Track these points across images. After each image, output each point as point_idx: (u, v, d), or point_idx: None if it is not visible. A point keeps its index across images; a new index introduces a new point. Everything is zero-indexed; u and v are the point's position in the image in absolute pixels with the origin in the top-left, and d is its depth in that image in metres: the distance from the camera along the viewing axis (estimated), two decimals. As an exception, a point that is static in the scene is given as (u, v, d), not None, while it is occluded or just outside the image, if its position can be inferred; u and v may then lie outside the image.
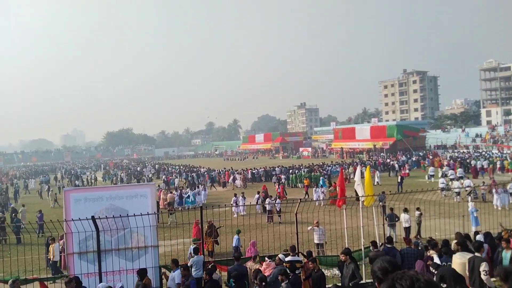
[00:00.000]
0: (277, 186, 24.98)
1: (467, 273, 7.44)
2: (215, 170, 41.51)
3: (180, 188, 27.65)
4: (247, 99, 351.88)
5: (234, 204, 20.06)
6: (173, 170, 48.12)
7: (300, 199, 15.79)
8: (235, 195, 21.90)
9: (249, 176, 36.53)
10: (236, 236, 12.83)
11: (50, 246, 12.21)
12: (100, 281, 8.41)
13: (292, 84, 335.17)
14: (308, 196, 24.46)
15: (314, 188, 24.16)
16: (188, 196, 23.76)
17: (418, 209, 15.29)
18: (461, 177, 27.33)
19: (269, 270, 8.59)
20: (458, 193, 21.39)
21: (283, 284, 7.37)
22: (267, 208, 18.81)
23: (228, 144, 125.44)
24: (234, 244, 12.74)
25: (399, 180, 26.33)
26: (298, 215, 10.17)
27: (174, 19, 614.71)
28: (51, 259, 11.98)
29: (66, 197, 9.13)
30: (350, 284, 7.59)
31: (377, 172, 31.77)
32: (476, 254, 7.74)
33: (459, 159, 39.36)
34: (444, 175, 29.85)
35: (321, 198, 21.38)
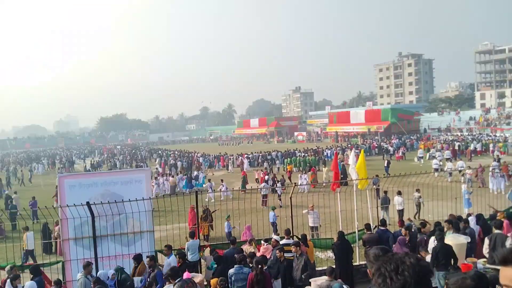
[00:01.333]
0: (260, 173, 24.80)
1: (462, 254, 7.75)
2: (210, 155, 41.64)
3: (186, 172, 28.54)
4: (242, 83, 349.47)
5: (223, 188, 20.44)
6: (172, 154, 48.22)
7: (295, 183, 15.92)
8: (222, 180, 22.30)
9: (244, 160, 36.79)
10: (226, 222, 13.05)
11: (24, 234, 12.24)
12: (97, 266, 8.47)
13: (287, 68, 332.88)
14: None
15: (299, 175, 24.06)
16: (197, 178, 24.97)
17: (417, 190, 15.48)
18: (449, 159, 28.10)
19: (268, 253, 8.69)
20: (450, 174, 21.94)
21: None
22: (262, 193, 18.95)
23: (223, 129, 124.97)
24: (226, 230, 12.97)
25: (385, 164, 26.57)
26: (292, 199, 10.25)
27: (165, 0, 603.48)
28: (25, 248, 12.01)
29: (60, 183, 9.09)
30: (303, 276, 7.65)
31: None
32: (497, 231, 8.13)
33: (452, 142, 39.87)
34: (432, 157, 30.64)
35: (305, 183, 21.46)
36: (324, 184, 22.42)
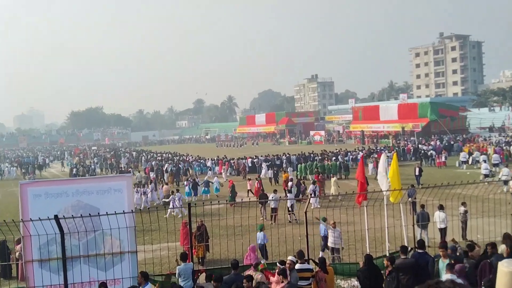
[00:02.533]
0: (255, 182, 25.04)
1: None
2: (205, 159, 41.79)
3: (193, 177, 29.68)
4: (245, 71, 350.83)
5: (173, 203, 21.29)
6: (159, 156, 48.76)
7: (311, 195, 15.83)
8: (173, 193, 22.61)
9: (249, 164, 37.55)
10: (260, 233, 13.16)
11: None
12: (67, 295, 8.46)
13: (301, 52, 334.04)
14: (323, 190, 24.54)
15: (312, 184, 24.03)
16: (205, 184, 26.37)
17: (463, 204, 15.34)
18: (496, 164, 28.01)
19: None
20: (506, 183, 21.63)
21: None
22: (271, 206, 18.95)
23: (221, 126, 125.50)
24: (259, 242, 13.24)
25: (417, 173, 26.54)
26: (308, 213, 10.22)
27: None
28: None
29: (22, 191, 8.96)
30: None
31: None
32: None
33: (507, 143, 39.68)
34: (475, 161, 30.54)
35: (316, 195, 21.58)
36: (330, 198, 22.50)
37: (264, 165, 36.29)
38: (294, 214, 18.53)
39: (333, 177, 26.62)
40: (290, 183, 24.15)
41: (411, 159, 40.26)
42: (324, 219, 13.51)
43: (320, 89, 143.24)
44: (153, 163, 41.83)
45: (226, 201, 17.96)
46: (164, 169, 36.44)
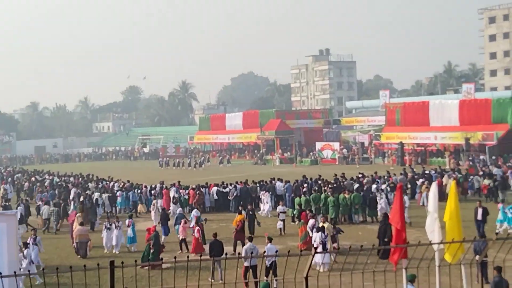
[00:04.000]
0: (197, 230, 26.19)
1: None
2: (137, 188, 41.99)
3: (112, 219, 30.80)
4: (210, 42, 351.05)
5: None
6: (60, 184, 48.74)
7: (316, 248, 15.88)
8: (27, 245, 23.13)
9: (214, 197, 38.69)
10: None
11: None
12: None
13: (302, 10, 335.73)
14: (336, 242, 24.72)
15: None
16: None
17: None
18: None
19: None
20: None
21: None
22: (266, 262, 19.63)
23: (169, 132, 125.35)
24: None
25: (479, 217, 26.89)
26: (310, 280, 10.21)
27: None
28: None
29: None
30: None
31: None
32: None
33: None
34: None
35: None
36: (348, 252, 22.86)
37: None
38: (276, 280, 18.70)
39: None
40: (312, 221, 25.80)
41: (477, 192, 40.39)
42: None
43: (334, 73, 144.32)
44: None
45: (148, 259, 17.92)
46: (71, 198, 36.83)
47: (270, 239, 22.24)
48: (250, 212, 30.87)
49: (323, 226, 24.78)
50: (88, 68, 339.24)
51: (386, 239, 23.64)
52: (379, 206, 32.05)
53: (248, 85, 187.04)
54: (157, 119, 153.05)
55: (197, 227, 25.98)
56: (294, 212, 33.06)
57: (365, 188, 36.50)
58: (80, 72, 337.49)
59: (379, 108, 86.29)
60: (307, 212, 28.81)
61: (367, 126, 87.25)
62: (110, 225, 28.16)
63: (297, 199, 33.64)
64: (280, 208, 31.71)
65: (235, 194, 38.58)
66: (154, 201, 37.17)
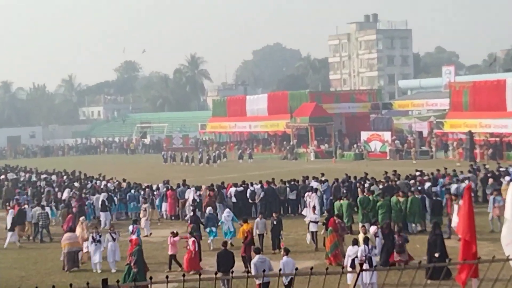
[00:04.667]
0: (192, 242, 26.39)
1: None
2: (139, 187, 42.40)
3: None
4: (226, 4, 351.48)
5: None
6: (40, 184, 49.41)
7: (362, 264, 15.90)
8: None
9: (231, 200, 39.10)
10: None
11: None
12: None
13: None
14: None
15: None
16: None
17: None
18: None
19: None
20: None
21: None
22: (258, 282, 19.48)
23: (174, 119, 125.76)
24: None
25: None
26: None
27: None
28: None
29: None
30: None
31: None
32: None
33: None
34: None
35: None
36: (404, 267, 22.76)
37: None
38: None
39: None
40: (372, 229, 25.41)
41: None
42: None
43: (384, 44, 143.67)
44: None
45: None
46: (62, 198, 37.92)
47: (287, 251, 22.64)
48: (275, 222, 30.71)
49: (366, 237, 24.76)
50: (72, 38, 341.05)
51: (437, 255, 23.57)
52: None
53: (274, 59, 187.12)
54: (159, 103, 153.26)
55: (192, 238, 26.03)
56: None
57: (424, 189, 36.25)
58: (63, 43, 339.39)
59: (441, 88, 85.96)
60: (335, 218, 28.62)
61: (426, 111, 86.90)
62: (100, 236, 28.05)
63: (337, 203, 33.60)
64: (311, 216, 31.53)
65: (261, 196, 38.69)
66: (144, 206, 37.19)
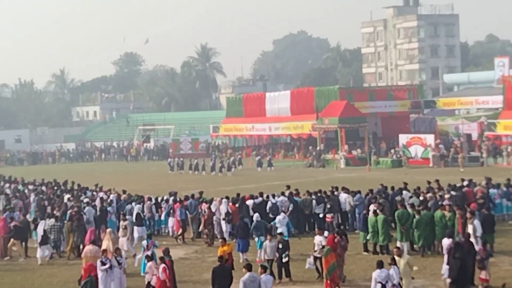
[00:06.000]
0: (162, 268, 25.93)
1: None
2: (141, 199, 42.73)
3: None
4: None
5: None
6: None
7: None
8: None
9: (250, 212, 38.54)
10: None
11: None
12: None
13: None
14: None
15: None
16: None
17: None
18: None
19: None
20: None
21: None
22: None
23: (182, 120, 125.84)
24: None
25: None
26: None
27: None
28: None
29: None
30: None
31: None
32: None
33: None
34: None
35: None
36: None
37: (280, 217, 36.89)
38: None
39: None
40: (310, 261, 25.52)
41: None
42: None
43: (426, 32, 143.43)
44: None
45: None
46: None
47: (264, 268, 23.23)
48: (280, 246, 30.02)
49: (393, 258, 24.70)
50: (65, 26, 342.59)
51: (465, 278, 23.42)
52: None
53: (298, 50, 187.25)
54: (165, 102, 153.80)
55: (162, 265, 25.40)
56: (368, 237, 32.95)
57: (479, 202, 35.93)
58: (54, 32, 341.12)
59: (493, 83, 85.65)
60: (335, 235, 28.52)
61: (476, 110, 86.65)
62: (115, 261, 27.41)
63: (371, 218, 33.51)
64: (318, 239, 29.85)
65: (290, 209, 38.50)
66: (124, 223, 36.39)
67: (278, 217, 33.65)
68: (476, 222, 29.82)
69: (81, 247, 34.53)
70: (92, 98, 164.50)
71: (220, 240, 29.12)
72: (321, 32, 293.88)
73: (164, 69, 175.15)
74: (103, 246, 30.10)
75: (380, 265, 23.53)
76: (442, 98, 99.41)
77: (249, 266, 23.14)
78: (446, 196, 37.13)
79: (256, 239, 31.26)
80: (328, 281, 25.67)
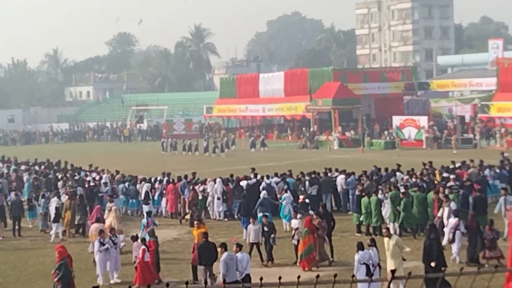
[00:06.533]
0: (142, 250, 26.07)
1: None
2: (134, 180, 42.94)
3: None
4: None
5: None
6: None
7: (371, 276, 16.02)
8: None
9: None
10: None
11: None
12: None
13: None
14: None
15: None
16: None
17: None
18: None
19: None
20: None
21: None
22: None
23: (175, 100, 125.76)
24: None
25: None
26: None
27: None
28: None
29: None
30: None
31: None
32: None
33: None
34: None
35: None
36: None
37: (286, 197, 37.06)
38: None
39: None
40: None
41: None
42: None
43: (420, 14, 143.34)
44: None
45: None
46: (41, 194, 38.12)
47: (240, 246, 23.70)
48: (266, 228, 29.66)
49: (373, 239, 24.81)
50: (58, 5, 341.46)
51: (433, 264, 23.49)
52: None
53: (292, 31, 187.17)
54: (158, 82, 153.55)
55: (142, 246, 25.51)
56: (361, 219, 33.08)
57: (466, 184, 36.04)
58: (47, 11, 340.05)
59: (487, 65, 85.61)
60: (314, 217, 29.09)
61: (470, 92, 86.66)
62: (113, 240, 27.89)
63: (364, 200, 33.56)
64: (294, 222, 30.27)
65: (283, 188, 38.55)
66: (110, 204, 35.59)
67: (286, 195, 34.23)
68: (453, 204, 29.89)
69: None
70: (86, 78, 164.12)
71: (196, 222, 28.85)
72: (315, 13, 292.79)
73: (157, 50, 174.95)
74: (107, 223, 31.08)
75: (360, 246, 23.62)
76: (436, 80, 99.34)
77: (224, 245, 23.69)
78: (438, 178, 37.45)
79: (260, 214, 31.24)
80: (305, 262, 26.21)
